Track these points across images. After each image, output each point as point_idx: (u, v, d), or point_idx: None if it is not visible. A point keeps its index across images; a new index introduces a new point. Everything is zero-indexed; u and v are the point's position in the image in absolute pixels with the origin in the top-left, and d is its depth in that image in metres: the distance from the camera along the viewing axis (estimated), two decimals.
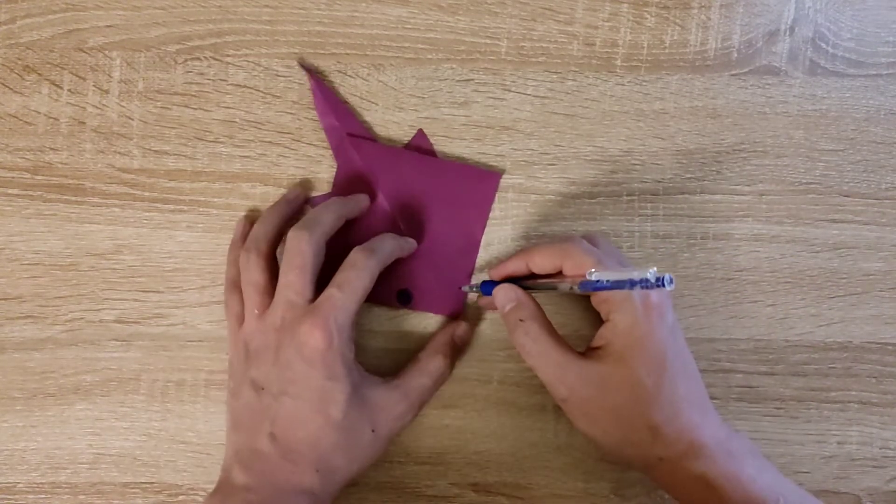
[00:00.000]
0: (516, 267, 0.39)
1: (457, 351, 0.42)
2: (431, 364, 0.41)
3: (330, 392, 0.37)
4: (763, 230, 0.44)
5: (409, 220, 0.43)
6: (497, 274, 0.40)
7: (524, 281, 0.39)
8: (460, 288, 0.43)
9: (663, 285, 0.29)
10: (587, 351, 0.37)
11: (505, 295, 0.39)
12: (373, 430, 0.38)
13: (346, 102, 0.43)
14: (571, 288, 0.35)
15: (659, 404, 0.35)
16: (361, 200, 0.42)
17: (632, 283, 0.30)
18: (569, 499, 0.43)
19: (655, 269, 0.30)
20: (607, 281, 0.32)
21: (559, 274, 0.37)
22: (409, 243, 0.41)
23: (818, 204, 0.44)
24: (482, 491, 0.43)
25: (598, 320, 0.38)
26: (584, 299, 0.41)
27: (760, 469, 0.36)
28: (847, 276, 0.44)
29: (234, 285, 0.41)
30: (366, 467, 0.39)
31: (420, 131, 0.44)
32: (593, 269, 0.33)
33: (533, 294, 0.39)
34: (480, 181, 0.43)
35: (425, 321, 0.44)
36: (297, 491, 0.37)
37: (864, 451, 0.44)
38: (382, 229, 0.42)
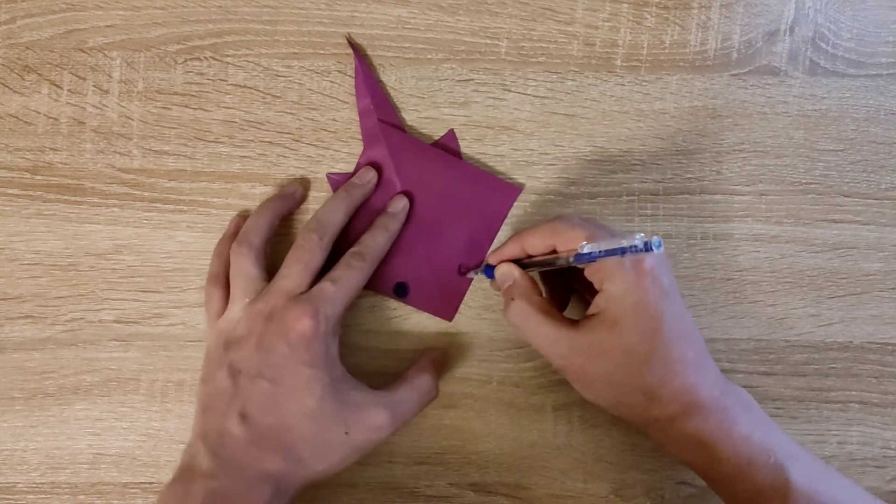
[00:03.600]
0: (512, 252, 0.40)
1: (440, 372, 0.43)
2: (419, 380, 0.40)
3: (308, 379, 0.37)
4: (763, 230, 0.44)
5: (420, 216, 0.43)
6: (495, 259, 0.41)
7: (524, 260, 0.40)
8: (465, 274, 0.43)
9: (651, 249, 0.30)
10: (582, 320, 0.37)
11: (503, 274, 0.40)
12: (346, 433, 0.37)
13: (385, 89, 0.44)
14: (568, 261, 0.36)
15: (652, 368, 0.36)
16: (368, 182, 0.42)
17: (623, 251, 0.32)
18: (568, 499, 0.43)
19: (643, 234, 0.31)
20: (599, 251, 0.33)
21: (554, 252, 0.38)
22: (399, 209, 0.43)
23: (818, 204, 0.44)
24: (481, 491, 0.43)
25: None
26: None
27: (753, 425, 0.37)
28: (847, 276, 0.44)
29: (217, 279, 0.41)
30: (332, 472, 0.38)
31: (451, 131, 0.44)
32: (585, 242, 0.34)
33: (532, 271, 0.40)
34: (499, 192, 0.44)
35: (425, 321, 0.44)
36: (261, 477, 0.36)
37: (864, 451, 0.44)
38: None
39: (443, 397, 0.44)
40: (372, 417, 0.38)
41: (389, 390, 0.39)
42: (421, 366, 0.41)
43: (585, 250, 0.34)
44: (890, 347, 0.44)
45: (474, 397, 0.44)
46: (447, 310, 0.44)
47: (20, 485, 0.43)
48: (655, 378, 0.36)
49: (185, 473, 0.37)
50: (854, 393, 0.44)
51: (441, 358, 0.43)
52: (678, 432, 0.37)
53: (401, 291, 0.43)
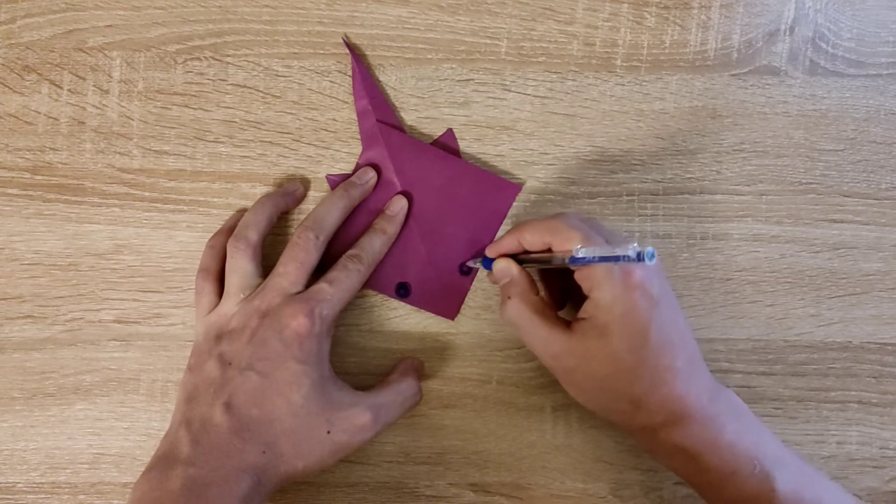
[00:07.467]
0: (510, 245, 0.40)
1: (420, 378, 0.43)
2: (403, 384, 0.41)
3: (297, 375, 0.37)
4: (763, 230, 0.44)
5: (421, 216, 0.43)
6: (493, 252, 0.41)
7: (521, 255, 0.40)
8: (465, 268, 0.43)
9: (644, 260, 0.30)
10: (574, 322, 0.37)
11: (500, 270, 0.40)
12: (328, 431, 0.37)
13: (383, 90, 0.44)
14: (563, 261, 0.36)
15: (639, 378, 0.36)
16: (367, 182, 0.42)
17: (616, 259, 0.32)
18: (567, 499, 0.44)
19: (636, 244, 0.31)
20: (594, 256, 0.33)
21: (550, 250, 0.38)
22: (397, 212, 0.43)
23: (818, 204, 0.44)
24: (481, 491, 0.43)
25: None
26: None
27: (741, 433, 0.37)
28: (847, 276, 0.44)
29: (208, 273, 0.41)
30: (311, 470, 0.38)
31: (449, 130, 0.44)
32: (580, 246, 0.34)
33: (530, 267, 0.40)
34: (499, 191, 0.44)
35: (426, 321, 0.44)
36: (241, 468, 0.36)
37: (863, 452, 0.44)
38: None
39: (443, 397, 0.44)
40: (355, 418, 0.38)
41: (373, 392, 0.40)
42: (403, 370, 0.42)
43: (580, 254, 0.34)
44: (889, 347, 0.44)
45: (474, 397, 0.44)
46: (449, 309, 0.44)
47: (20, 485, 0.43)
48: (642, 387, 0.36)
49: (164, 460, 0.37)
50: (853, 393, 0.44)
51: (420, 365, 0.43)
52: (664, 441, 0.37)
53: (403, 292, 0.43)
